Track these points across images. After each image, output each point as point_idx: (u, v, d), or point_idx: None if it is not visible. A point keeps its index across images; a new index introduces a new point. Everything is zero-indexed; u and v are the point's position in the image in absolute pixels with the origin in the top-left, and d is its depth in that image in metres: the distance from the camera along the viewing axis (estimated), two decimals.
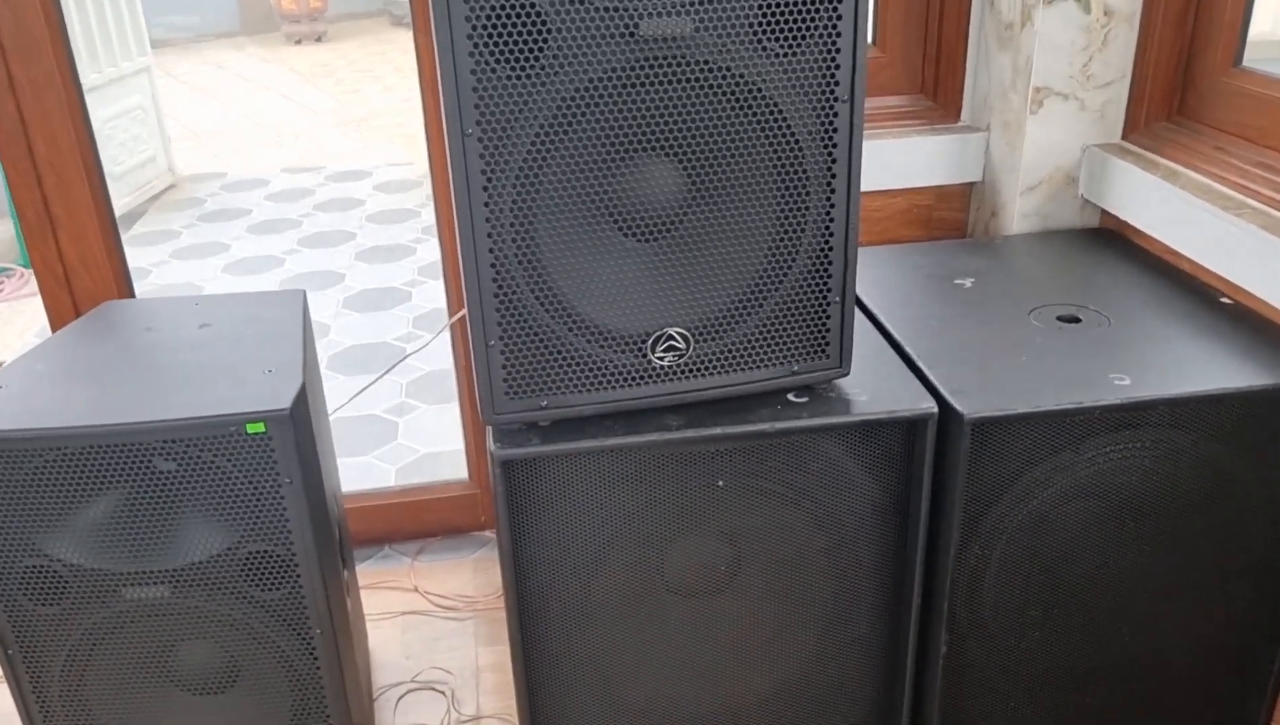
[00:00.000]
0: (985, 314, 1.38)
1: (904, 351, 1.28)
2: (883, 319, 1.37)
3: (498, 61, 0.97)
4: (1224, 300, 1.39)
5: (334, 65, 7.88)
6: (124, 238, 3.88)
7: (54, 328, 1.73)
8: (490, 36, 0.96)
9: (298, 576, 1.26)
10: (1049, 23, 1.57)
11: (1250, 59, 1.50)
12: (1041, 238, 1.66)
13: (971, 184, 1.80)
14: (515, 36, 0.96)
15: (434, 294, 3.23)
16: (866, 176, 1.70)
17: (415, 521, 2.00)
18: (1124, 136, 1.65)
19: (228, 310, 1.46)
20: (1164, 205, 1.48)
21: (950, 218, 1.82)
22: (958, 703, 1.33)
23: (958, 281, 1.48)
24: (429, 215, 4.07)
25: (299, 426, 1.20)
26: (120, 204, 4.21)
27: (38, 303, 3.39)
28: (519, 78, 0.98)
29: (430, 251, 3.58)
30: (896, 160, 1.75)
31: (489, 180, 1.01)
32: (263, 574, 1.25)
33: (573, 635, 1.24)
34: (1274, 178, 1.37)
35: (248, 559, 1.24)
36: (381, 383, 2.40)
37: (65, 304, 1.72)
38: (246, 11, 9.12)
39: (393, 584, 1.89)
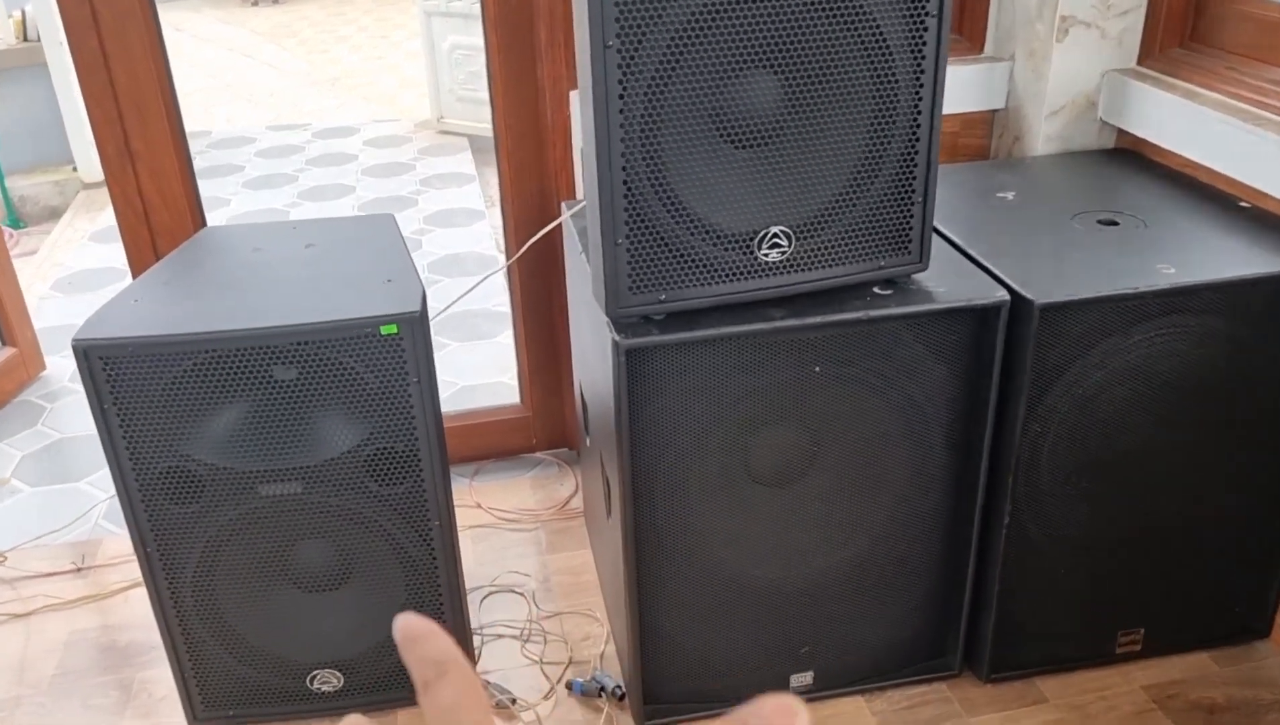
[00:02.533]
0: (1031, 220, 1.51)
1: (967, 253, 1.41)
2: (941, 227, 1.49)
3: None
4: (1243, 204, 1.53)
5: (295, 26, 7.80)
6: None
7: (132, 263, 1.79)
8: None
9: (420, 471, 1.36)
10: None
11: None
12: (1066, 157, 1.80)
13: (994, 111, 1.92)
14: None
15: (445, 241, 3.30)
16: None
17: (470, 445, 2.09)
18: (1139, 62, 1.79)
19: (326, 232, 1.54)
20: (1184, 122, 1.62)
21: (974, 144, 1.95)
22: (1015, 569, 1.47)
23: (1000, 195, 1.61)
24: (424, 168, 4.11)
25: (425, 328, 1.29)
26: None
27: (29, 265, 3.39)
28: None
29: (433, 203, 3.65)
30: None
31: (624, 90, 1.11)
32: (388, 469, 1.35)
33: (675, 511, 1.36)
34: None
35: (375, 455, 1.34)
36: None
37: (144, 239, 1.78)
38: None
39: (456, 502, 1.99)
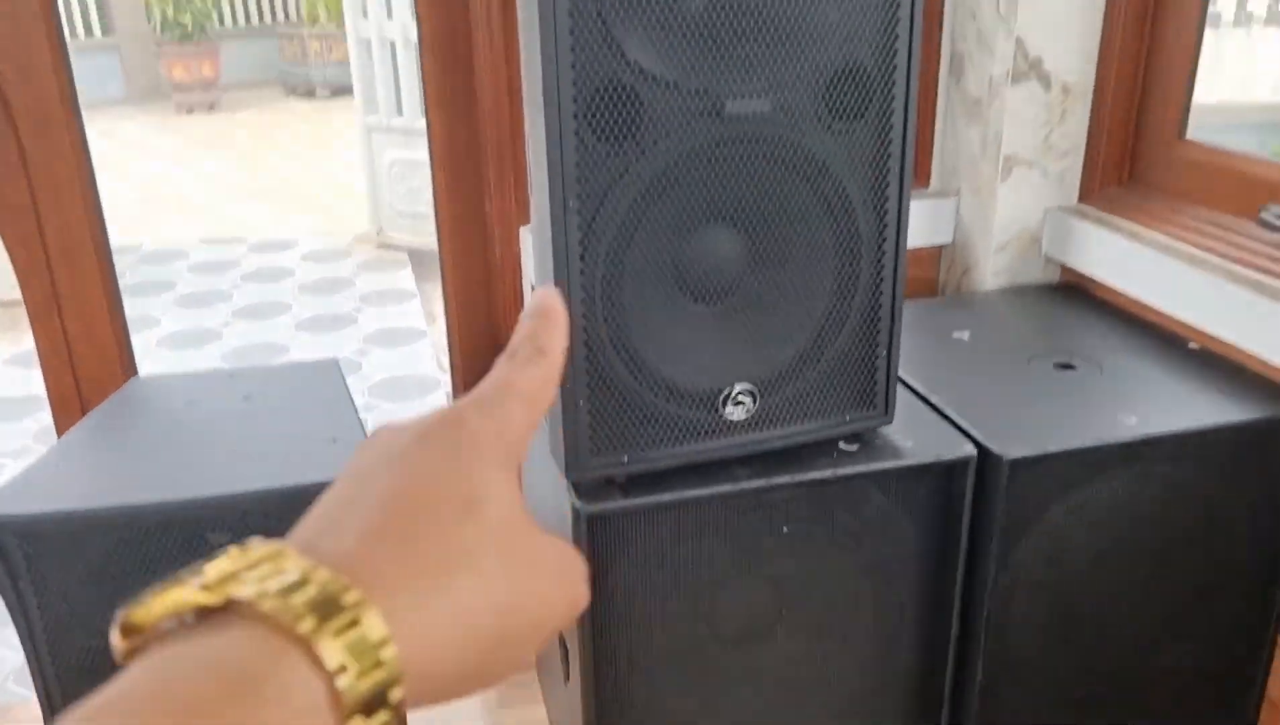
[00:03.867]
0: (989, 364, 1.50)
1: (929, 401, 1.39)
2: (902, 373, 1.47)
3: (598, 140, 1.05)
4: (1192, 345, 1.55)
5: (231, 134, 7.77)
6: None
7: (55, 410, 1.69)
8: (593, 117, 1.03)
9: None
10: (1015, 99, 1.74)
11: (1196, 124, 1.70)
12: (1014, 293, 1.82)
13: (942, 246, 1.94)
14: (615, 117, 1.04)
15: (386, 362, 3.22)
16: None
17: None
18: (1081, 200, 1.82)
19: (265, 382, 1.47)
20: (1127, 260, 1.64)
21: (923, 277, 1.96)
22: None
23: (956, 335, 1.61)
24: (364, 284, 4.06)
25: None
26: None
27: None
28: (617, 154, 1.06)
29: (373, 321, 3.58)
30: None
31: (585, 250, 1.08)
32: None
33: (638, 677, 1.28)
34: (1227, 235, 1.55)
35: None
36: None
37: (68, 385, 1.69)
38: (133, 79, 8.92)
39: None
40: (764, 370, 1.20)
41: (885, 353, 1.25)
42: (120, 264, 4.11)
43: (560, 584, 0.41)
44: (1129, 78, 1.74)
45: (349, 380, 2.86)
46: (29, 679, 1.87)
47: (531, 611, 0.39)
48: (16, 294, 3.64)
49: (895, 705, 1.40)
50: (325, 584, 0.33)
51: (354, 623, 0.32)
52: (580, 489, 1.18)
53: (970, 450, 1.26)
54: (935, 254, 1.95)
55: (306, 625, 0.31)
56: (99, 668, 1.21)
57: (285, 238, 4.71)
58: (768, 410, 1.22)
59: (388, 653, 0.32)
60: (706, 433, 1.20)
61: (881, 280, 1.22)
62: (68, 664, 1.20)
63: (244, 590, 0.32)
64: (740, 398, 1.20)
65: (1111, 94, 1.74)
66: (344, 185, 5.90)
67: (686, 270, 1.14)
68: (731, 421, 1.20)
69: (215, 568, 0.34)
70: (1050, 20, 1.70)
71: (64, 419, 1.67)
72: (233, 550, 0.34)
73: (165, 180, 6.23)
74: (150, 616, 0.32)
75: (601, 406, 1.15)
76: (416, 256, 4.23)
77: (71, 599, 1.17)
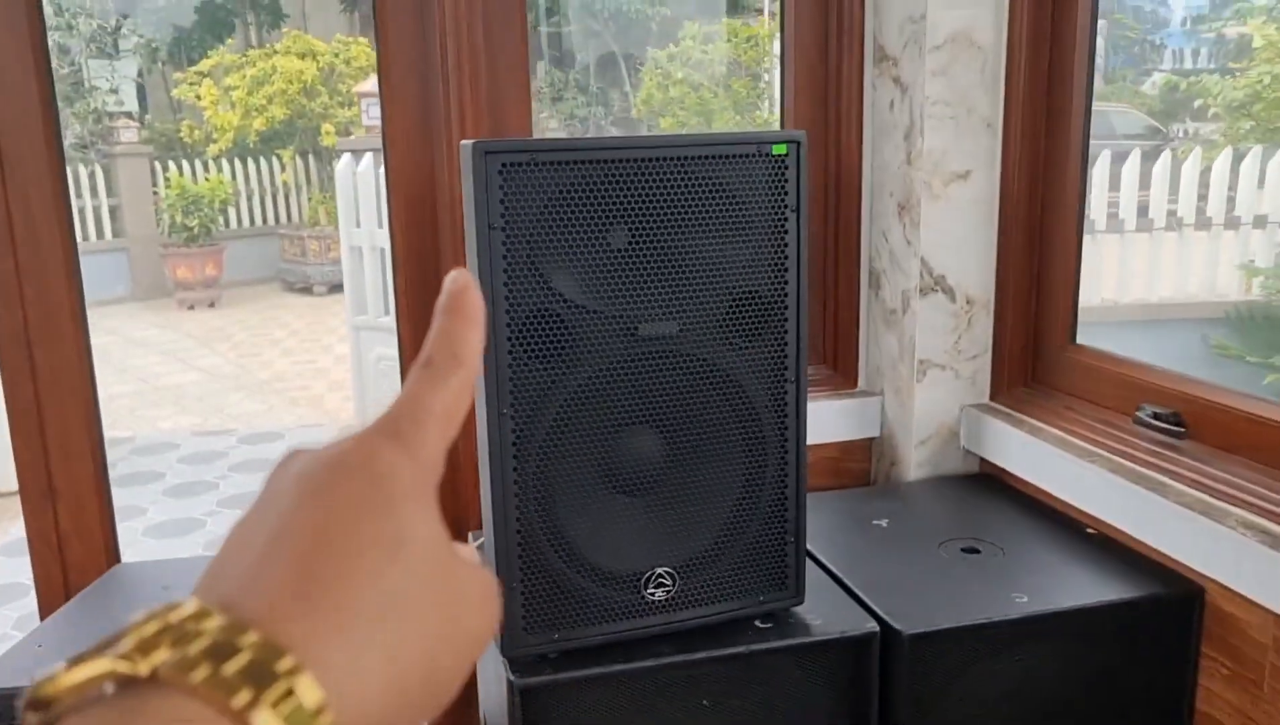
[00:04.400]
0: (902, 548, 1.65)
1: (842, 582, 1.53)
2: (819, 555, 1.62)
3: (529, 357, 1.23)
4: (1089, 530, 1.69)
5: (229, 330, 8.09)
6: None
7: (41, 595, 1.81)
8: (524, 338, 1.22)
9: None
10: (925, 310, 1.95)
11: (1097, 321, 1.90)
12: (934, 482, 1.97)
13: (871, 439, 2.12)
14: (543, 338, 1.23)
15: None
16: None
17: None
18: (991, 398, 2.01)
19: None
20: (1031, 453, 1.81)
21: (855, 468, 2.13)
22: None
23: (875, 522, 1.76)
24: None
25: None
26: None
27: None
28: (545, 369, 1.24)
29: None
30: (809, 421, 2.05)
31: (518, 451, 1.24)
32: None
33: None
34: (1113, 431, 1.72)
35: None
36: None
37: (55, 573, 1.81)
38: (139, 277, 9.34)
39: None
40: (683, 556, 1.34)
41: (794, 540, 1.39)
42: (113, 455, 4.26)
43: (483, 612, 0.41)
44: (1024, 288, 1.96)
45: None
46: None
47: (459, 644, 0.38)
48: (4, 488, 3.79)
49: None
50: (256, 650, 0.31)
51: (289, 692, 0.31)
52: (513, 664, 1.30)
53: (873, 626, 1.39)
54: (865, 446, 2.12)
55: (242, 699, 0.30)
56: None
57: (274, 429, 4.91)
58: (687, 592, 1.35)
59: (324, 720, 0.31)
60: (631, 613, 1.33)
61: (786, 475, 1.38)
62: None
63: (168, 658, 0.31)
64: (662, 580, 1.34)
65: (1010, 303, 1.96)
66: (335, 378, 6.15)
67: (613, 467, 1.30)
68: (653, 602, 1.33)
69: (134, 633, 0.32)
70: (950, 241, 1.93)
71: (49, 603, 1.78)
72: (152, 611, 0.33)
73: (163, 374, 6.49)
74: (63, 689, 0.31)
75: (534, 589, 1.29)
76: None
77: None
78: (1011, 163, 1.91)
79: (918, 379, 1.97)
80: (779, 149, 1.30)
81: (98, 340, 1.85)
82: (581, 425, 1.27)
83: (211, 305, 9.31)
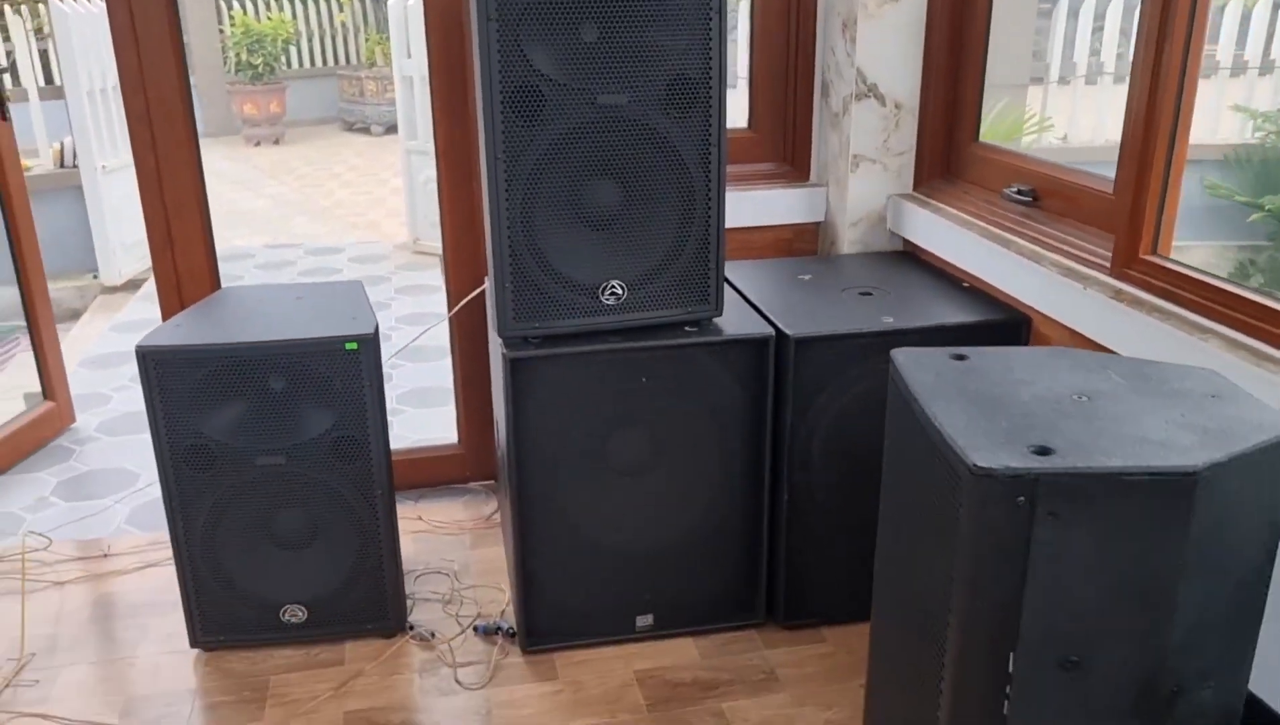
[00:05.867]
0: (814, 292, 2.13)
1: (756, 306, 2.02)
2: (751, 296, 2.11)
3: (516, 116, 1.71)
4: (964, 284, 2.16)
5: (293, 164, 8.61)
6: (138, 295, 4.47)
7: (165, 316, 2.38)
8: (513, 103, 1.70)
9: (369, 453, 1.92)
10: (860, 113, 2.38)
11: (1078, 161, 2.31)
12: (862, 256, 2.44)
13: (818, 223, 2.58)
14: (525, 105, 1.70)
15: (411, 333, 3.93)
16: (746, 217, 2.47)
17: (416, 475, 2.65)
18: (914, 188, 2.45)
19: (310, 292, 2.14)
20: (935, 231, 2.27)
21: (805, 247, 2.60)
22: (798, 539, 2.02)
23: (800, 277, 2.24)
24: (399, 280, 4.77)
25: (376, 347, 1.88)
26: (139, 269, 4.85)
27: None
28: (527, 126, 1.72)
29: (403, 306, 4.29)
30: (766, 207, 2.52)
31: (508, 187, 1.74)
32: (346, 451, 1.91)
33: (550, 491, 1.92)
34: (989, 206, 2.17)
35: (337, 440, 1.91)
36: None
37: (175, 305, 2.38)
38: (209, 115, 9.84)
39: (402, 517, 2.53)
40: (632, 273, 1.85)
41: (715, 266, 1.89)
42: None
43: None
44: (943, 97, 2.37)
45: (383, 346, 3.52)
46: (136, 519, 2.56)
47: None
48: (117, 281, 4.42)
49: (733, 520, 2.02)
50: None
51: None
52: (507, 343, 1.83)
53: (770, 331, 1.89)
54: (814, 229, 2.58)
55: None
56: (196, 455, 1.87)
57: (336, 244, 5.47)
58: (634, 300, 1.86)
59: None
60: (591, 312, 1.84)
61: (710, 218, 1.86)
62: (178, 450, 1.86)
63: None
64: (615, 290, 1.84)
65: (931, 109, 2.38)
66: (391, 207, 6.67)
67: (580, 204, 1.80)
68: (608, 306, 1.85)
69: None
70: (882, 55, 2.34)
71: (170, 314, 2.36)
72: None
73: (236, 200, 7.06)
74: None
75: (521, 291, 1.80)
76: None
77: (182, 407, 1.83)
78: None
79: (852, 171, 2.41)
80: None
81: None
82: (555, 171, 1.76)
83: (276, 142, 9.82)
